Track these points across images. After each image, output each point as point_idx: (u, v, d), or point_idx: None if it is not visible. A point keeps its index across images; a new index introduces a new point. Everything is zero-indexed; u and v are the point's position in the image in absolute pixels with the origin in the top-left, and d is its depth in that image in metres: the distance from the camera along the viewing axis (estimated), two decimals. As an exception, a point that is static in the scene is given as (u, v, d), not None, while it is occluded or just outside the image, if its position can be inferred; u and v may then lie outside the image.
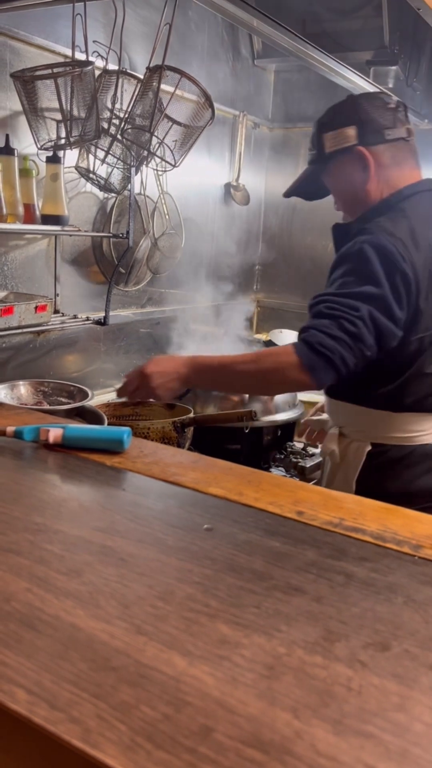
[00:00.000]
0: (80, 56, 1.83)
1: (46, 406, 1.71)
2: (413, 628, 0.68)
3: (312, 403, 2.20)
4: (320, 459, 1.92)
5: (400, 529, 0.90)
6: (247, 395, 2.08)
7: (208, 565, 0.78)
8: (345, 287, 1.35)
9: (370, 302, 1.31)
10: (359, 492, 1.46)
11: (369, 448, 1.51)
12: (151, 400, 1.53)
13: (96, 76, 1.83)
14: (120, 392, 1.56)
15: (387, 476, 1.50)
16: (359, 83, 2.20)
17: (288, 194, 1.68)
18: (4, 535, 0.83)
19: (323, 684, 0.59)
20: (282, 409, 2.16)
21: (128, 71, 1.99)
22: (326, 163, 1.53)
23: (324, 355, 1.30)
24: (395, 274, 1.33)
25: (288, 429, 2.26)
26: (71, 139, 1.78)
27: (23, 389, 1.73)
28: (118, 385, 1.57)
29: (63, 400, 1.74)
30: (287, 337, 2.84)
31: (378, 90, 2.23)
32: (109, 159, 2.00)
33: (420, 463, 1.49)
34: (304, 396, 2.26)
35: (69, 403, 1.73)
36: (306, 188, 1.63)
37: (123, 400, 1.86)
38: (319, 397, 1.86)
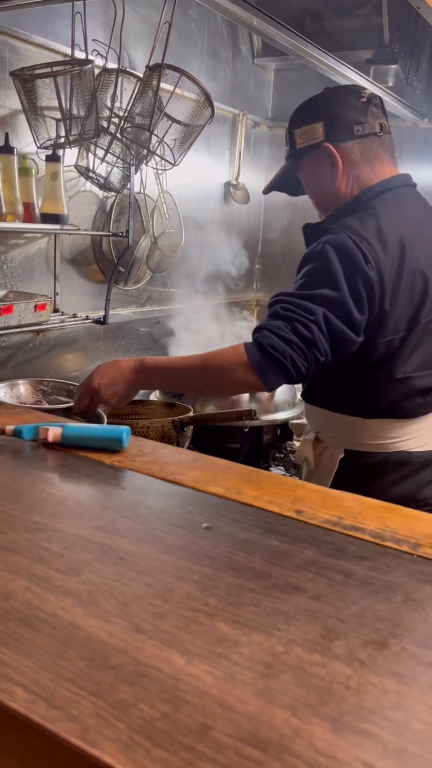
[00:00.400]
0: (80, 55, 1.83)
1: (45, 405, 1.71)
2: (412, 627, 0.68)
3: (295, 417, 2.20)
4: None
5: (399, 528, 0.90)
6: (246, 394, 2.08)
7: (207, 563, 0.78)
8: (303, 288, 1.31)
9: (326, 305, 1.27)
10: None
11: (342, 455, 1.47)
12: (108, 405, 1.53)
13: (95, 74, 1.83)
14: (74, 410, 1.49)
15: (361, 484, 1.41)
16: (359, 82, 2.20)
17: (267, 190, 1.64)
18: (3, 534, 0.83)
19: (322, 682, 0.59)
20: (282, 408, 2.16)
21: (128, 70, 1.99)
22: (298, 159, 1.50)
23: (275, 358, 1.26)
24: (356, 276, 1.29)
25: (287, 428, 2.26)
26: (71, 138, 1.78)
27: (22, 388, 1.73)
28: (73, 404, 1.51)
29: (62, 399, 1.74)
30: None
31: (383, 90, 2.23)
32: (109, 158, 2.00)
33: (394, 471, 1.44)
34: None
35: (68, 403, 1.73)
36: (287, 184, 1.60)
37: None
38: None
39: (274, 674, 0.59)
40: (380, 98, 1.48)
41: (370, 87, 2.22)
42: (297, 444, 2.24)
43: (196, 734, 0.52)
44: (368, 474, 1.45)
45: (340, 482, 1.45)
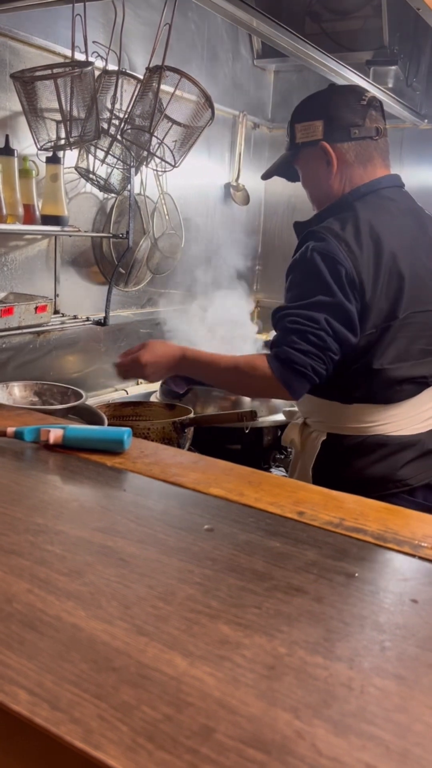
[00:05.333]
0: (80, 57, 1.83)
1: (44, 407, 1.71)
2: (414, 628, 0.68)
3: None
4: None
5: (400, 529, 0.90)
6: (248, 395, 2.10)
7: (208, 565, 0.78)
8: (300, 298, 1.42)
9: (326, 311, 1.38)
10: (316, 479, 1.55)
11: (324, 437, 1.57)
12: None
13: (96, 76, 1.83)
14: (117, 372, 1.65)
15: (341, 464, 1.55)
16: (359, 83, 2.19)
17: (266, 176, 1.72)
18: (6, 536, 0.83)
19: (324, 684, 0.59)
20: (282, 409, 2.16)
21: (128, 72, 2.00)
22: (297, 152, 1.57)
23: (298, 371, 1.39)
24: (342, 278, 1.39)
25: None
26: (71, 140, 1.78)
27: (17, 390, 1.73)
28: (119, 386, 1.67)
29: (55, 402, 1.74)
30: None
31: (383, 91, 2.23)
32: (109, 159, 2.00)
33: (371, 453, 1.53)
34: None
35: (64, 405, 1.73)
36: (286, 171, 1.67)
37: (123, 400, 1.88)
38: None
39: (276, 676, 0.59)
40: (380, 101, 1.54)
41: (370, 88, 2.23)
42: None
43: (198, 736, 0.52)
44: (347, 455, 1.55)
45: (322, 462, 1.57)
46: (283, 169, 1.65)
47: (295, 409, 1.80)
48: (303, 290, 1.42)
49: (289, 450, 2.21)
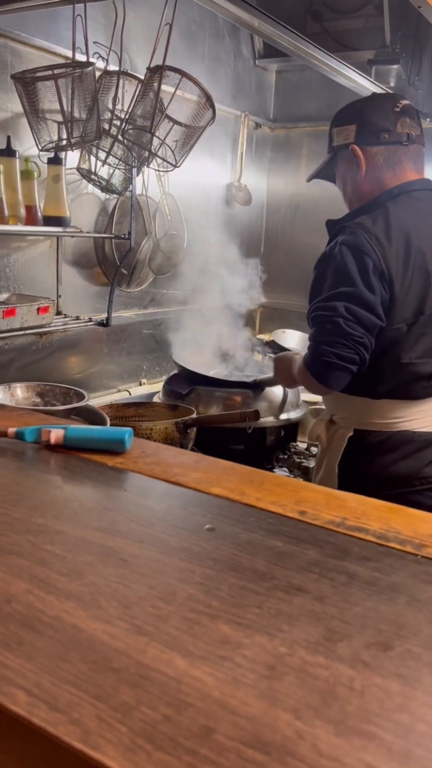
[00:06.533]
0: (81, 57, 1.83)
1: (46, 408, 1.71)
2: (416, 628, 0.67)
3: (313, 403, 2.23)
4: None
5: (403, 529, 0.90)
6: (250, 394, 2.11)
7: (209, 565, 0.78)
8: (327, 291, 1.47)
9: (345, 299, 1.43)
10: (341, 475, 1.58)
11: (351, 433, 1.59)
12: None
13: (97, 77, 1.83)
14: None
15: (366, 460, 1.57)
16: (361, 82, 2.19)
17: (309, 178, 1.81)
18: (6, 536, 0.82)
19: (325, 684, 0.58)
20: (285, 409, 2.15)
21: (129, 72, 1.99)
22: (334, 155, 1.65)
23: (323, 362, 1.45)
24: (368, 268, 1.43)
25: (291, 429, 2.25)
26: (72, 141, 1.78)
27: (20, 391, 1.73)
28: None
29: (58, 403, 1.74)
30: (290, 337, 2.84)
31: (385, 91, 2.23)
32: (111, 160, 2.00)
33: (397, 449, 1.54)
34: (306, 396, 2.26)
35: (66, 405, 1.72)
36: (326, 174, 1.74)
37: (125, 401, 1.89)
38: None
39: (277, 676, 0.59)
40: (416, 110, 1.59)
41: (371, 87, 2.23)
42: (301, 445, 2.24)
43: (198, 737, 0.52)
44: (372, 451, 1.57)
45: (348, 459, 1.59)
46: (324, 171, 1.72)
47: (322, 407, 1.85)
48: (329, 283, 1.47)
49: (294, 449, 2.21)
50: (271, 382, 2.04)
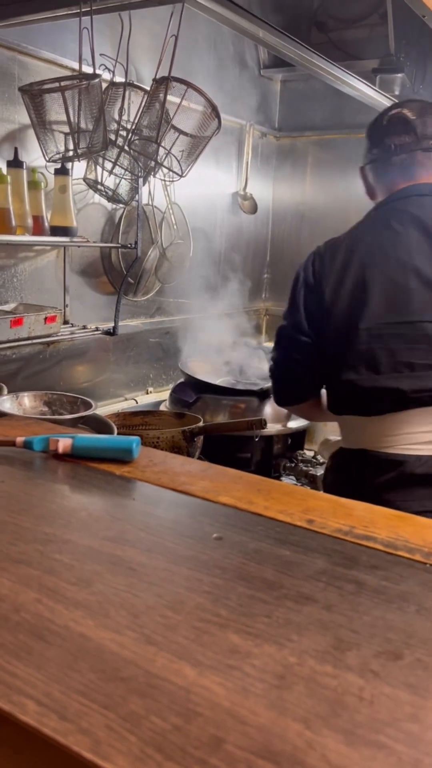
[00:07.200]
0: (87, 69, 1.84)
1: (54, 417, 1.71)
2: (426, 637, 0.67)
3: None
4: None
5: (411, 537, 0.89)
6: (255, 403, 2.11)
7: (218, 574, 0.78)
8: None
9: (284, 319, 1.54)
10: (329, 491, 1.52)
11: (336, 449, 1.60)
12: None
13: (103, 88, 1.85)
14: None
15: (341, 476, 1.57)
16: (366, 92, 2.20)
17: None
18: (14, 546, 0.83)
19: (334, 694, 0.58)
20: (292, 417, 2.15)
21: (135, 83, 2.01)
22: None
23: (273, 382, 1.62)
24: (302, 288, 1.51)
25: (298, 437, 2.25)
26: (79, 151, 1.80)
27: (27, 400, 1.73)
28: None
29: (65, 412, 1.74)
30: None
31: (391, 99, 2.24)
32: (117, 170, 2.01)
33: (360, 466, 1.48)
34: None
35: (73, 414, 1.73)
36: None
37: (132, 409, 1.89)
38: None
39: (286, 686, 0.59)
40: (406, 117, 1.53)
41: (376, 96, 2.23)
42: (308, 453, 2.24)
43: (208, 747, 0.52)
44: (346, 467, 1.54)
45: (330, 475, 1.61)
46: None
47: None
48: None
49: (301, 458, 2.21)
50: None
